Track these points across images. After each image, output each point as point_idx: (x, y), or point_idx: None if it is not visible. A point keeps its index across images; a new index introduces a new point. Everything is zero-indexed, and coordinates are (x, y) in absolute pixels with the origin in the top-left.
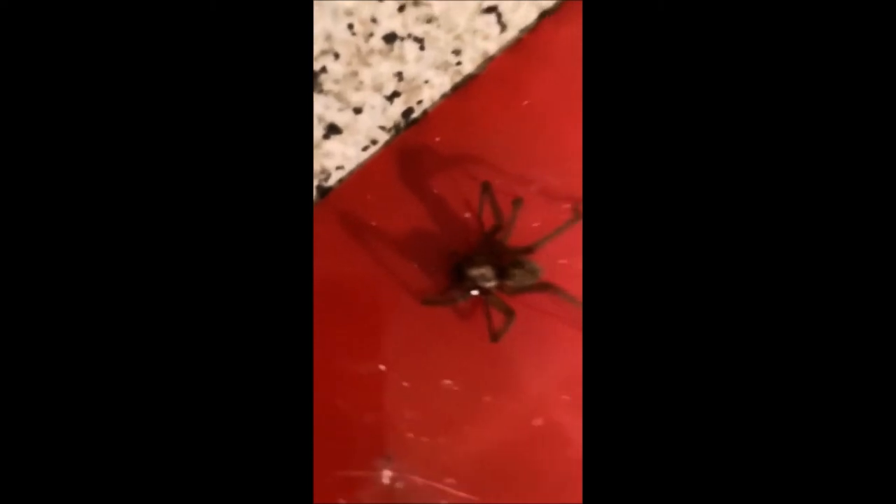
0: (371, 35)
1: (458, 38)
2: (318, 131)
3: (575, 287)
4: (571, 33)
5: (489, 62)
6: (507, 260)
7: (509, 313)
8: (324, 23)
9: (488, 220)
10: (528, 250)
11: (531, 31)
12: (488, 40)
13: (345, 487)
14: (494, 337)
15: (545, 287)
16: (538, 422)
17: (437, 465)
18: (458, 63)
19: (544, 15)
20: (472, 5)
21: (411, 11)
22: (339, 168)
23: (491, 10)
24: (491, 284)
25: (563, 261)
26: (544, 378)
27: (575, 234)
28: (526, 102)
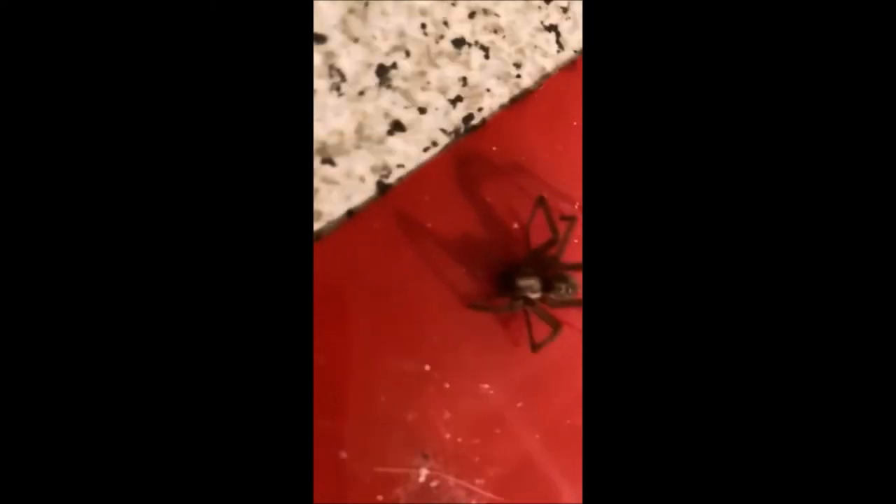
0: (442, 37)
1: (519, 51)
2: (382, 126)
3: None
4: None
5: (545, 79)
6: (551, 274)
7: (556, 326)
8: (398, 19)
9: (535, 233)
10: (579, 267)
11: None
12: (547, 57)
13: (384, 484)
14: (535, 347)
15: (581, 303)
16: (564, 429)
17: (468, 465)
18: (518, 76)
19: None
20: (535, 21)
21: (480, 20)
22: (399, 166)
23: (551, 28)
24: (536, 296)
25: None
26: (573, 390)
27: None
28: (575, 123)
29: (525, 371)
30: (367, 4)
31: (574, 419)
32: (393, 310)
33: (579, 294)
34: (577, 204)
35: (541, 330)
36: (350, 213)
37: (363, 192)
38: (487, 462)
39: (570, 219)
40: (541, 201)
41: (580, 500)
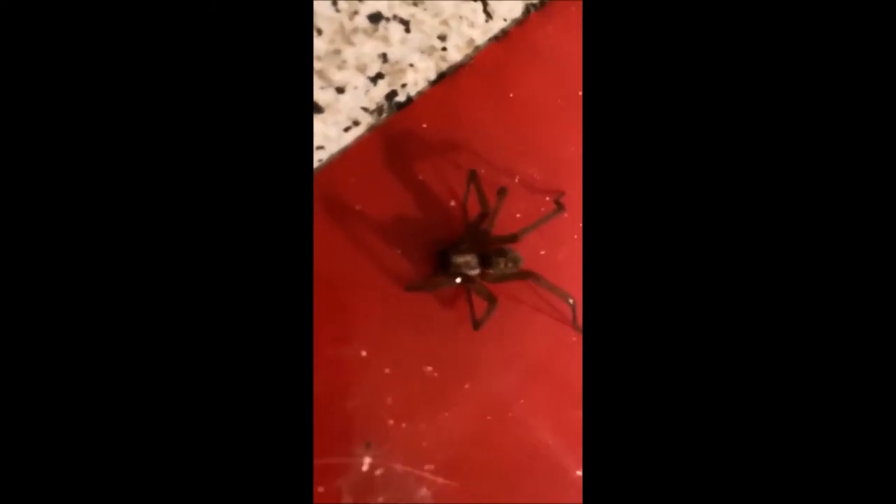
0: (356, 13)
1: (443, 22)
2: None
3: (553, 277)
4: (559, 29)
5: (475, 52)
6: (490, 249)
7: (492, 300)
8: None
9: (473, 209)
10: (513, 239)
11: (519, 25)
12: (474, 28)
13: (324, 475)
14: (476, 324)
15: (527, 275)
16: (517, 409)
17: (416, 451)
18: (444, 49)
19: (530, 9)
20: None
21: None
22: (319, 148)
23: None
24: (474, 272)
25: (543, 251)
26: (524, 365)
27: (554, 227)
28: (511, 95)
29: (471, 352)
30: None
31: (527, 398)
32: (324, 297)
33: (522, 266)
34: (517, 177)
35: (482, 308)
36: None
37: None
38: (437, 447)
39: (503, 191)
40: (472, 176)
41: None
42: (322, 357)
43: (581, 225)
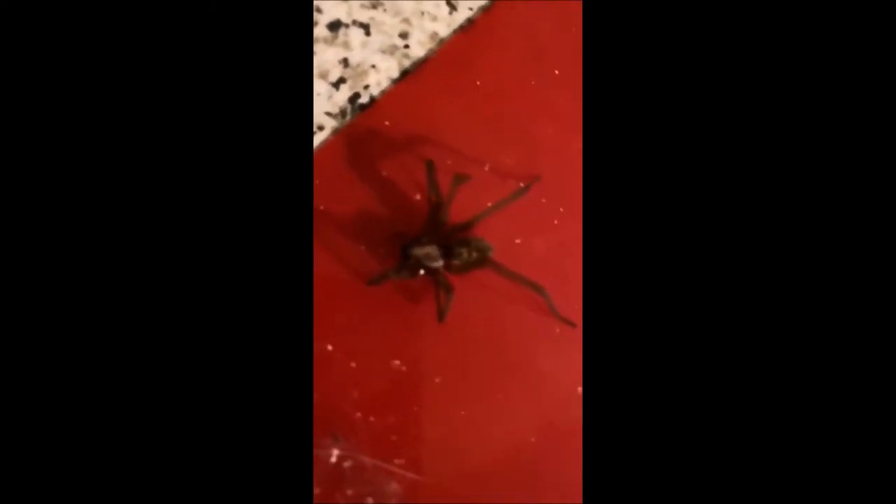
0: (315, 24)
1: (405, 21)
2: None
3: (529, 267)
4: (530, 7)
5: (440, 45)
6: (452, 239)
7: (448, 290)
8: None
9: (426, 200)
10: (467, 226)
11: (485, 11)
12: (437, 21)
13: None
14: (440, 316)
15: (490, 264)
16: (494, 404)
17: (386, 445)
18: (406, 46)
19: None
20: None
21: None
22: None
23: None
24: (437, 264)
25: (518, 240)
26: (502, 359)
27: (532, 215)
28: (478, 82)
29: (442, 345)
30: None
31: (504, 393)
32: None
33: (491, 254)
34: (487, 166)
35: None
36: None
37: None
38: (406, 442)
39: (459, 178)
40: (428, 166)
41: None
42: None
43: (561, 210)
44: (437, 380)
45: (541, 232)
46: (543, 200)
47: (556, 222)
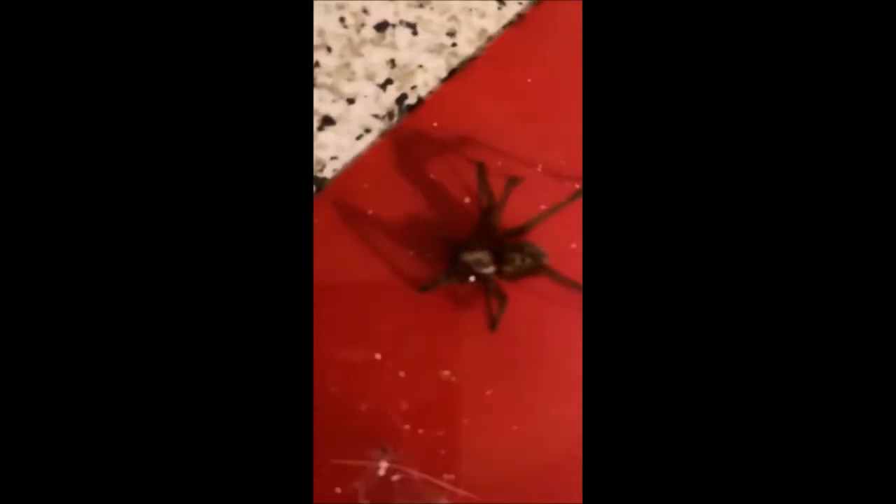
0: (363, 26)
1: (452, 18)
2: (312, 123)
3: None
4: (577, 5)
5: (488, 42)
6: (505, 244)
7: (501, 297)
8: (316, 19)
9: (476, 203)
10: (520, 231)
11: (536, 5)
12: (485, 17)
13: (340, 476)
14: (492, 324)
15: (544, 271)
16: (548, 419)
17: (435, 459)
18: (454, 45)
19: None
20: None
21: None
22: (333, 158)
23: None
24: (489, 270)
25: (574, 245)
26: (551, 369)
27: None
28: (529, 80)
29: (494, 355)
30: None
31: (561, 408)
32: (338, 301)
33: (546, 261)
34: (540, 166)
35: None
36: None
37: None
38: (457, 456)
39: (512, 181)
40: (480, 169)
41: (576, 499)
42: (335, 360)
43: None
44: (488, 392)
45: None
46: None
47: None
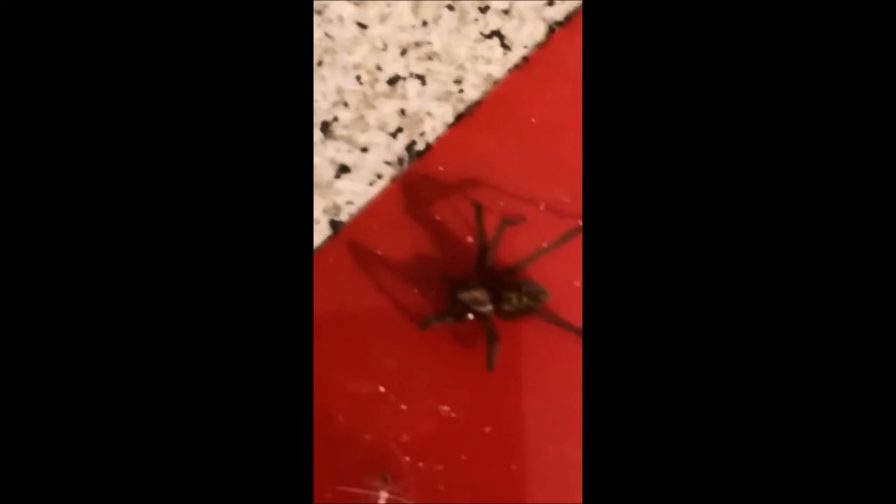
0: (376, 81)
1: (459, 67)
2: (330, 172)
3: None
4: (579, 43)
5: (494, 86)
6: (504, 283)
7: (492, 338)
8: (335, 80)
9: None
10: (515, 270)
11: (541, 47)
12: (491, 63)
13: (344, 501)
14: (488, 364)
15: (540, 314)
16: (543, 457)
17: (433, 493)
18: (461, 91)
19: (553, 28)
20: (474, 33)
21: (412, 53)
22: (348, 203)
23: (493, 34)
24: (486, 309)
25: (577, 283)
26: (551, 410)
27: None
28: (534, 120)
29: (493, 393)
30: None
31: (562, 448)
32: (347, 334)
33: (547, 299)
34: (543, 204)
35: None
36: None
37: (319, 233)
38: (455, 492)
39: (505, 222)
40: (477, 210)
41: None
42: (343, 389)
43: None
44: (486, 429)
45: None
46: None
47: None
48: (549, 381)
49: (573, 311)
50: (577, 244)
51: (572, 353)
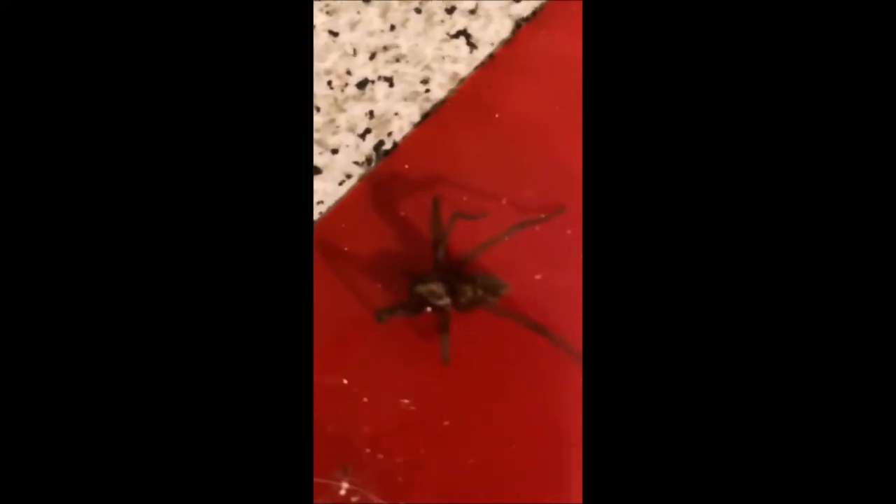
0: (346, 85)
1: (426, 67)
2: None
3: (551, 304)
4: (553, 33)
5: (460, 84)
6: (460, 276)
7: (443, 329)
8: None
9: (457, 237)
10: (462, 264)
11: (507, 44)
12: (458, 63)
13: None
14: (443, 357)
15: (490, 307)
16: (506, 456)
17: (392, 485)
18: (427, 91)
19: (520, 24)
20: (440, 34)
21: (381, 56)
22: (319, 203)
23: (459, 34)
24: (443, 302)
25: (539, 276)
26: (516, 406)
27: (554, 247)
28: (497, 115)
29: (450, 387)
30: None
31: (519, 444)
32: (316, 328)
33: (506, 292)
34: (505, 199)
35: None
36: None
37: None
38: (413, 485)
39: (455, 215)
40: (434, 204)
41: None
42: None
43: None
44: (445, 423)
45: (564, 267)
46: (569, 232)
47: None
48: (511, 379)
49: (536, 304)
50: (540, 237)
51: (536, 349)
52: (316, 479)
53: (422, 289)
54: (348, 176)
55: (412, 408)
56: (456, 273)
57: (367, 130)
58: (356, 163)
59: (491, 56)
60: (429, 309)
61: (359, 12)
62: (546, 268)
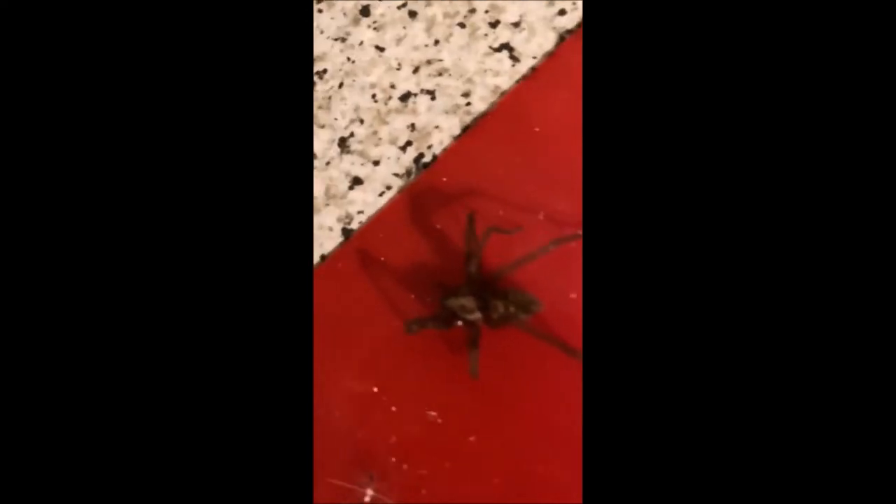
0: (390, 98)
1: (468, 80)
2: (344, 184)
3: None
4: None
5: (501, 97)
6: (491, 291)
7: (472, 346)
8: (353, 99)
9: (491, 250)
10: (496, 279)
11: (550, 57)
12: (499, 76)
13: (332, 495)
14: (472, 372)
15: (520, 324)
16: (534, 477)
17: (414, 496)
18: (468, 104)
19: (564, 37)
20: (483, 48)
21: (424, 70)
22: (359, 213)
23: (502, 47)
24: (474, 317)
25: (574, 294)
26: (546, 426)
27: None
28: (537, 129)
29: (480, 404)
30: (330, 98)
31: (547, 467)
32: (349, 335)
33: (538, 309)
34: (542, 213)
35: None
36: (322, 258)
37: (332, 240)
38: (438, 498)
39: (490, 230)
40: (469, 219)
41: None
42: (341, 390)
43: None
44: (471, 438)
45: None
46: None
47: None
48: (541, 398)
49: (570, 323)
50: (576, 255)
51: (569, 369)
52: (342, 483)
53: (453, 303)
54: (388, 187)
55: (439, 420)
56: (489, 288)
57: (408, 143)
58: (396, 174)
59: (533, 69)
60: (459, 323)
61: (405, 27)
62: (580, 286)
